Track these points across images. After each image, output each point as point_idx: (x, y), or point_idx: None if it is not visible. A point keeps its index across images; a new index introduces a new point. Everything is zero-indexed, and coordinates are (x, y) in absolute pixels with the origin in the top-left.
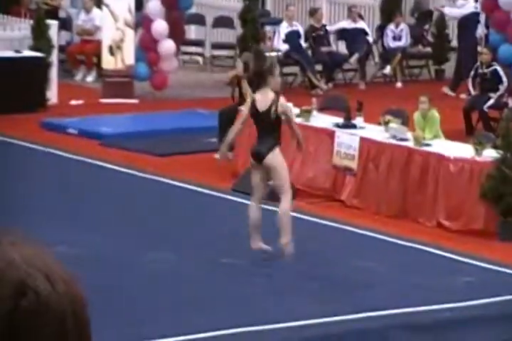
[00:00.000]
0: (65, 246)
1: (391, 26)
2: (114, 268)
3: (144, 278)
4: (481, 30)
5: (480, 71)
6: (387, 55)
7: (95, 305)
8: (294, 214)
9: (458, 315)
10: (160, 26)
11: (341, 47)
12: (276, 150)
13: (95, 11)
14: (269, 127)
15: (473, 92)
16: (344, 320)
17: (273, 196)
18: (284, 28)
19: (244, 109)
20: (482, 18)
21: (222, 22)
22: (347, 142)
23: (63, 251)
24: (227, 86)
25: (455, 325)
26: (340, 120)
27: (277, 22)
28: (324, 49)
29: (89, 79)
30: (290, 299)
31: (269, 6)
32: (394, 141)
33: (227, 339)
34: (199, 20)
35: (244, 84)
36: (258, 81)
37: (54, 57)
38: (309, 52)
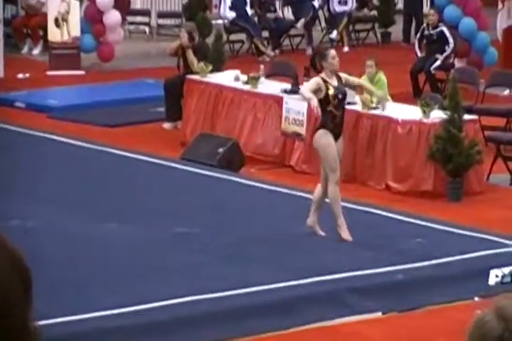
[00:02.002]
0: (19, 220)
1: None
2: (67, 240)
3: (97, 249)
4: None
5: (426, 33)
6: (333, 20)
7: (49, 275)
8: (244, 180)
9: (410, 276)
10: None
11: (287, 13)
12: (318, 133)
13: None
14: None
15: (419, 54)
16: (296, 285)
17: (223, 163)
18: None
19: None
20: None
21: None
22: (295, 108)
23: (17, 224)
24: (171, 56)
25: (407, 286)
26: (288, 86)
27: None
28: (270, 15)
29: (36, 52)
30: (243, 266)
31: None
32: None
33: (183, 307)
34: None
35: (189, 54)
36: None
37: None
38: (255, 18)
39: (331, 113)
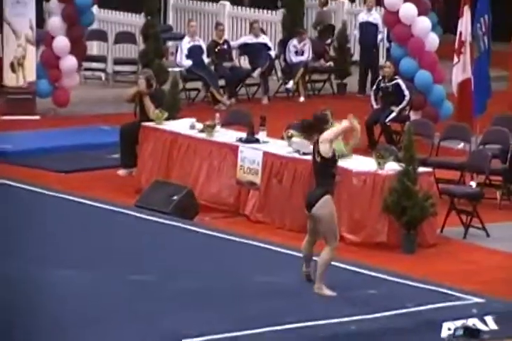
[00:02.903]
0: None
1: (294, 41)
2: (21, 288)
3: (51, 297)
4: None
5: (382, 85)
6: (289, 70)
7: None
8: (197, 229)
9: (363, 327)
10: (61, 43)
11: (244, 62)
12: (327, 200)
13: None
14: (318, 170)
15: (375, 106)
16: (248, 334)
17: (178, 211)
18: (186, 44)
19: None
20: (384, 32)
21: (124, 38)
22: (250, 157)
23: None
24: (128, 102)
25: (360, 337)
26: (244, 135)
27: (179, 37)
28: (227, 64)
29: None
30: (199, 314)
31: (171, 21)
32: (297, 155)
33: None
34: (101, 36)
35: (146, 101)
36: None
37: None
38: (212, 67)
39: (334, 177)
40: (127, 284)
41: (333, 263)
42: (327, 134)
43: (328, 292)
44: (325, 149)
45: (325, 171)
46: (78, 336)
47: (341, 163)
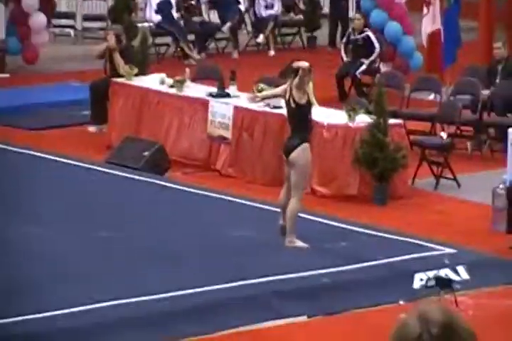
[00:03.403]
0: None
1: None
2: None
3: (19, 254)
4: None
5: (352, 37)
6: (259, 24)
7: None
8: (169, 184)
9: (335, 280)
10: (30, 0)
11: (213, 17)
12: (304, 148)
13: None
14: (293, 117)
15: (345, 58)
16: (220, 288)
17: (149, 167)
18: None
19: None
20: None
21: None
22: (221, 111)
23: None
24: (97, 59)
25: (332, 290)
26: (214, 89)
27: None
28: (196, 19)
29: None
30: (169, 270)
31: None
32: (268, 109)
33: (107, 311)
34: None
35: (116, 57)
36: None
37: None
38: (181, 22)
39: (310, 123)
40: (97, 240)
41: (304, 215)
42: (297, 82)
43: (300, 244)
44: (299, 95)
45: (300, 116)
46: (46, 293)
47: (312, 116)
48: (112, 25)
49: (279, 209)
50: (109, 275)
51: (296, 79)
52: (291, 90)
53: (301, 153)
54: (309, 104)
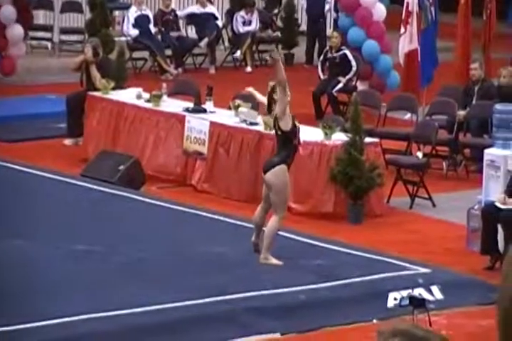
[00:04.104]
0: None
1: (241, 12)
2: None
3: None
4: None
5: (329, 55)
6: (237, 40)
7: None
8: (144, 198)
9: (309, 297)
10: (8, 11)
11: (191, 32)
12: (281, 169)
13: None
14: (278, 142)
15: (322, 76)
16: (193, 304)
17: (124, 181)
18: (133, 13)
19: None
20: (331, 2)
21: (71, 7)
22: (197, 127)
23: None
24: (74, 71)
25: (306, 307)
26: (191, 105)
27: (126, 7)
28: (173, 33)
29: None
30: (143, 285)
31: None
32: (244, 125)
33: (79, 325)
34: (47, 4)
35: (93, 70)
36: None
37: None
38: (159, 36)
39: (295, 148)
40: (72, 254)
41: (279, 232)
42: (280, 109)
43: (274, 261)
44: (284, 123)
45: (285, 143)
46: (21, 306)
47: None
48: (89, 38)
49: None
50: (83, 288)
51: (278, 99)
52: (276, 119)
53: (276, 174)
54: (295, 128)
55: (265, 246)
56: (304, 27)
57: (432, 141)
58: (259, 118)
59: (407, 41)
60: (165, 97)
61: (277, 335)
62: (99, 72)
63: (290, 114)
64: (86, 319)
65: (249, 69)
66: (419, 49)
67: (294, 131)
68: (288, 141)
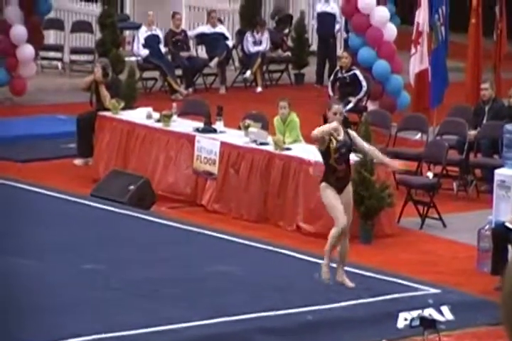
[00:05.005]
0: None
1: (251, 31)
2: None
3: (5, 285)
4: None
5: (340, 75)
6: (247, 60)
7: None
8: (154, 218)
9: (319, 317)
10: (18, 31)
11: (201, 52)
12: (320, 187)
13: None
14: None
15: (333, 96)
16: (204, 324)
17: (134, 201)
18: (144, 33)
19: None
20: (342, 22)
21: (81, 27)
22: (207, 147)
23: None
24: (84, 91)
25: (316, 327)
26: (201, 125)
27: (136, 27)
28: (184, 53)
29: None
30: (152, 305)
31: (128, 11)
32: (254, 146)
33: None
34: (58, 25)
35: (102, 90)
36: None
37: None
38: (169, 56)
39: (332, 167)
40: (81, 274)
41: (289, 252)
42: (313, 132)
43: (324, 270)
44: (319, 144)
45: (323, 160)
46: (29, 325)
47: (299, 153)
48: (99, 58)
49: (265, 246)
50: (92, 308)
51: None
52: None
53: (320, 191)
54: (328, 150)
55: (325, 254)
56: (314, 47)
57: (442, 161)
58: (269, 139)
59: (418, 61)
60: (175, 117)
61: None
62: (109, 91)
63: (328, 136)
64: (94, 339)
65: (259, 89)
66: (429, 69)
67: (328, 152)
68: (324, 160)
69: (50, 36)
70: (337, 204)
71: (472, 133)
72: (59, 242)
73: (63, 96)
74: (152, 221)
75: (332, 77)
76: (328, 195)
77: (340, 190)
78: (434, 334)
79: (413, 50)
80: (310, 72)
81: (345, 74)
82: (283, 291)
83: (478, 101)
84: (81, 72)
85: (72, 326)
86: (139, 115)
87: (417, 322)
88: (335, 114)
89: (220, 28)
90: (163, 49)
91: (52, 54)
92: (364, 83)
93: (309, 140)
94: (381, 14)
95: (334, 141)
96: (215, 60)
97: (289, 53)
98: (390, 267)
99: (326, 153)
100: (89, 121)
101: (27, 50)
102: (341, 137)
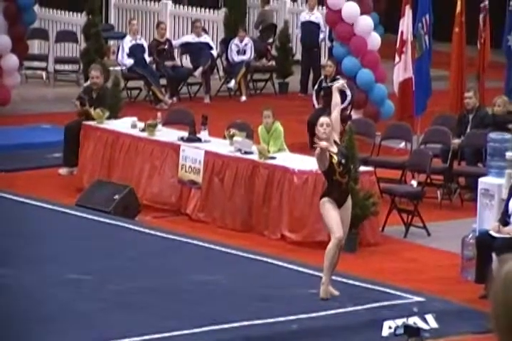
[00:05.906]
0: None
1: (235, 41)
2: None
3: None
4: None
5: (324, 84)
6: (231, 69)
7: None
8: (138, 228)
9: (304, 326)
10: (3, 41)
11: (186, 62)
12: (321, 201)
13: None
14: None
15: (317, 105)
16: (191, 333)
17: (119, 210)
18: (128, 42)
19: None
20: (326, 31)
21: (66, 36)
22: (192, 156)
23: None
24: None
25: (301, 336)
26: (186, 134)
27: (121, 36)
28: (168, 63)
29: None
30: (138, 314)
31: (112, 20)
32: (239, 155)
33: None
34: (42, 34)
35: (92, 113)
36: None
37: None
38: (153, 66)
39: (337, 182)
40: (65, 283)
41: (274, 261)
42: (319, 166)
43: (329, 288)
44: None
45: (326, 177)
46: (14, 335)
47: (283, 162)
48: (93, 65)
49: (250, 255)
50: (77, 318)
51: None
52: None
53: (320, 205)
54: (332, 166)
55: (324, 270)
56: (298, 56)
57: (426, 169)
58: (254, 148)
59: (402, 70)
60: (160, 126)
61: None
62: (96, 100)
63: (328, 153)
64: None
65: (243, 98)
66: (413, 78)
67: (332, 168)
68: (327, 177)
69: (35, 46)
70: (335, 216)
71: (456, 141)
72: (43, 252)
73: (48, 106)
74: (137, 230)
75: (316, 86)
76: (328, 207)
77: (341, 205)
78: None
79: (397, 59)
80: (294, 81)
81: (329, 84)
82: (268, 300)
83: (462, 109)
84: (66, 82)
85: (58, 337)
86: (124, 124)
87: (401, 331)
88: (321, 125)
89: (205, 38)
90: (147, 58)
91: (36, 63)
92: (348, 92)
93: (293, 149)
94: (365, 23)
95: (334, 156)
96: (200, 69)
97: (273, 62)
98: (374, 275)
99: (330, 170)
100: (76, 131)
101: (11, 60)
102: (335, 149)
